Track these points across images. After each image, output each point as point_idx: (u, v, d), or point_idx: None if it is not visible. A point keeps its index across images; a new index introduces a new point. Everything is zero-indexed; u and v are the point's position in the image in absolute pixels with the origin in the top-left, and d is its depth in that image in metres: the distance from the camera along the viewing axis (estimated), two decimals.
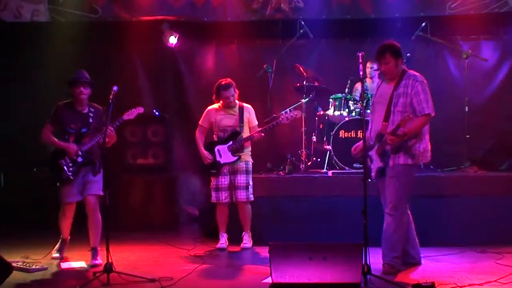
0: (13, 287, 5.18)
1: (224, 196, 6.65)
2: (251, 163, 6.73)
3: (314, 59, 8.45)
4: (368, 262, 4.89)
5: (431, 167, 7.49)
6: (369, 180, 5.44)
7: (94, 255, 6.02)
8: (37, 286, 5.32)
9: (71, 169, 5.99)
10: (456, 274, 5.39)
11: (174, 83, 8.62)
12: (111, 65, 8.13)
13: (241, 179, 6.64)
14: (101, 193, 6.00)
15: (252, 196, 6.67)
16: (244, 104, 6.82)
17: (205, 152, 6.67)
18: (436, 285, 4.81)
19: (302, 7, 8.10)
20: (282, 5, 8.08)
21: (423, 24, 7.66)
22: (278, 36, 8.37)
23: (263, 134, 6.66)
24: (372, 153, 5.54)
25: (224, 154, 6.65)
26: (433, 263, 5.90)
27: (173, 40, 8.41)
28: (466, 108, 7.63)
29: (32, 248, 6.62)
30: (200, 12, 8.17)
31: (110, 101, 5.61)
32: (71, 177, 5.98)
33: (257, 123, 6.82)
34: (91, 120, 6.07)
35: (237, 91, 6.76)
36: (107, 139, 5.83)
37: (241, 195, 6.62)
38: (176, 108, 8.50)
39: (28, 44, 8.25)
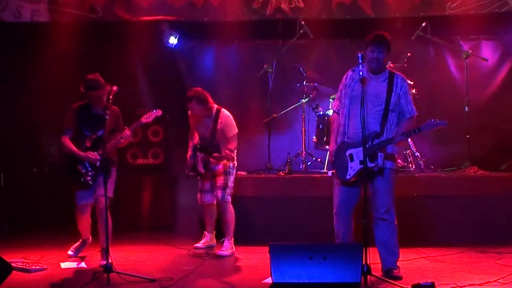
0: (13, 287, 5.17)
1: (207, 198, 6.62)
2: (231, 165, 6.47)
3: (314, 59, 8.44)
4: (368, 262, 4.89)
5: (431, 167, 7.50)
6: (346, 179, 5.32)
7: (103, 256, 5.91)
8: (37, 286, 5.32)
9: (90, 173, 5.97)
10: (456, 274, 5.39)
11: (174, 83, 8.62)
12: (111, 65, 8.13)
13: (219, 179, 6.46)
14: (109, 195, 5.88)
15: (228, 197, 6.43)
16: (221, 113, 6.49)
17: (188, 154, 6.66)
18: (436, 285, 4.81)
19: (302, 7, 8.09)
20: (282, 5, 8.08)
21: (423, 24, 7.66)
22: (278, 36, 8.35)
23: (230, 155, 6.29)
24: (355, 151, 5.29)
25: (200, 162, 6.54)
26: (433, 263, 5.91)
27: (173, 40, 8.40)
28: (466, 108, 7.64)
29: (32, 248, 6.63)
30: (200, 12, 8.16)
31: (110, 101, 5.62)
32: (90, 182, 5.97)
33: (234, 132, 6.44)
34: (107, 123, 5.87)
35: (205, 104, 6.41)
36: (122, 140, 5.91)
37: (218, 194, 6.46)
38: (176, 108, 8.49)
39: (28, 44, 8.25)
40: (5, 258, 5.09)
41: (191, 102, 6.44)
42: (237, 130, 6.49)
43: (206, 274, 5.66)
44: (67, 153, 6.04)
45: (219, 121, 6.48)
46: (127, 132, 5.95)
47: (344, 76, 5.54)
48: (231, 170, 6.54)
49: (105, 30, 8.23)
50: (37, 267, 5.80)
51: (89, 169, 5.97)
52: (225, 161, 6.43)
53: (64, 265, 5.99)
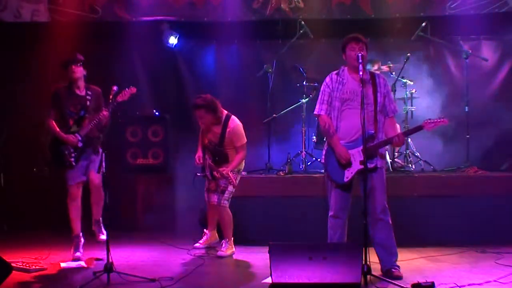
0: (13, 287, 5.18)
1: (213, 199, 6.53)
2: (236, 171, 6.46)
3: (314, 59, 8.43)
4: (368, 262, 4.89)
5: (431, 167, 7.50)
6: (344, 182, 5.31)
7: (99, 228, 6.27)
8: (37, 286, 5.32)
9: (73, 155, 6.13)
10: (456, 274, 5.39)
11: (174, 83, 8.62)
12: (111, 65, 8.13)
13: (222, 182, 6.41)
14: (103, 170, 6.09)
15: (225, 202, 6.38)
16: (230, 121, 6.37)
17: (197, 154, 6.61)
18: (436, 285, 4.81)
19: (302, 7, 8.09)
20: (282, 5, 8.08)
21: (423, 24, 7.66)
22: (278, 36, 8.36)
23: (234, 181, 6.32)
24: (351, 153, 5.28)
25: (207, 168, 6.53)
26: (433, 263, 5.91)
27: (173, 40, 8.40)
28: (466, 108, 7.64)
29: (32, 248, 6.63)
30: (200, 12, 8.17)
31: (110, 101, 5.63)
32: (74, 163, 6.14)
33: (243, 142, 6.39)
34: (88, 103, 6.17)
35: (214, 112, 6.30)
36: (102, 121, 6.09)
37: (214, 197, 6.43)
38: (176, 108, 8.50)
39: (28, 44, 8.25)
40: (5, 258, 5.09)
41: (199, 110, 6.31)
42: (245, 140, 6.43)
43: (206, 274, 5.66)
44: (51, 134, 6.23)
45: (228, 129, 6.36)
46: (105, 112, 6.05)
47: (329, 79, 5.50)
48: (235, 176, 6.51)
49: (105, 30, 8.23)
50: (37, 267, 5.80)
51: (71, 150, 6.13)
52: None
53: (64, 265, 5.99)
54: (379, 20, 8.02)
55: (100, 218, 6.29)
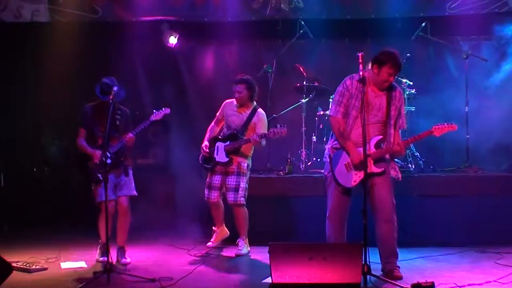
0: (13, 287, 5.17)
1: (214, 195, 6.54)
2: (245, 165, 6.50)
3: (314, 59, 8.44)
4: (368, 262, 4.89)
5: (431, 167, 7.50)
6: (352, 185, 5.34)
7: (122, 253, 6.11)
8: (37, 286, 5.32)
9: (101, 171, 5.94)
10: (455, 274, 5.40)
11: (174, 83, 8.62)
12: (111, 65, 8.13)
13: (231, 180, 6.46)
14: (134, 193, 6.21)
15: (242, 199, 6.44)
16: (259, 110, 6.58)
17: (203, 144, 6.60)
18: (435, 285, 4.82)
19: (302, 7, 8.10)
20: (282, 5, 8.09)
21: (423, 24, 7.66)
22: (278, 36, 8.37)
23: (258, 140, 6.28)
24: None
25: (220, 152, 6.53)
26: (433, 263, 5.91)
27: (173, 40, 8.41)
28: (466, 108, 7.64)
29: (32, 248, 6.63)
30: (200, 12, 8.17)
31: (110, 101, 5.62)
32: (101, 178, 5.91)
33: (265, 132, 6.45)
34: (118, 123, 6.07)
35: (252, 93, 6.53)
36: (126, 141, 6.02)
37: (230, 197, 6.46)
38: (176, 108, 8.49)
39: (28, 44, 8.25)
40: (5, 258, 5.08)
41: (241, 85, 6.50)
42: (267, 132, 6.41)
43: (206, 274, 5.66)
44: (80, 151, 6.11)
45: (257, 114, 6.52)
46: (130, 135, 6.00)
47: (349, 83, 5.39)
48: (245, 171, 6.51)
49: (105, 30, 8.23)
50: (37, 267, 5.81)
51: (98, 166, 5.96)
52: (239, 160, 6.47)
53: (64, 265, 6.00)
54: (379, 20, 8.02)
55: (125, 246, 6.16)
